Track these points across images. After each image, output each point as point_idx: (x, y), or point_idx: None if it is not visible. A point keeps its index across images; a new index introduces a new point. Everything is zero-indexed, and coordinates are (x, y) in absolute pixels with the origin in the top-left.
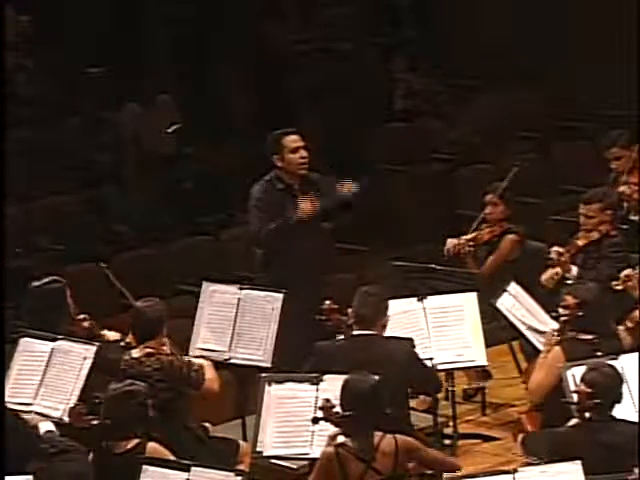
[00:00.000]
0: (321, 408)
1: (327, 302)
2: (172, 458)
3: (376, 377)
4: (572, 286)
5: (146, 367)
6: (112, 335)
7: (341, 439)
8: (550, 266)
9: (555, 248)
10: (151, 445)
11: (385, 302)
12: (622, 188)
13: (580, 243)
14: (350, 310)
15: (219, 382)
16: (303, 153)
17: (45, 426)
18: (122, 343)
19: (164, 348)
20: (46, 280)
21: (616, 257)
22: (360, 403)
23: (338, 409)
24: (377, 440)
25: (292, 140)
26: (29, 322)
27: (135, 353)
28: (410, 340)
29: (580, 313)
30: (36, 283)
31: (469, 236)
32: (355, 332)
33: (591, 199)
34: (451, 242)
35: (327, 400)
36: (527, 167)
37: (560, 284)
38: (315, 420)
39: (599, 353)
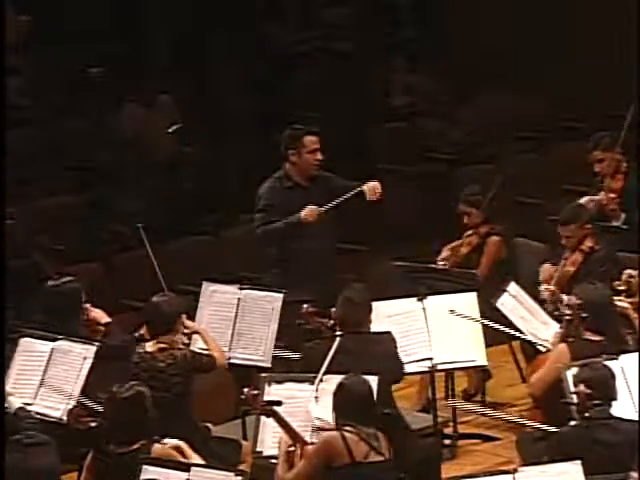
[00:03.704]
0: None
1: (305, 305)
2: (180, 458)
3: (368, 378)
4: (578, 286)
5: (160, 362)
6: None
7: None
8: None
9: (545, 286)
10: (157, 446)
11: (369, 305)
12: (601, 195)
13: (571, 270)
14: (332, 312)
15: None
16: (319, 156)
17: (18, 402)
18: (135, 335)
19: (177, 342)
20: (63, 280)
21: (605, 271)
22: (354, 406)
23: None
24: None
25: (312, 141)
26: (42, 321)
27: (149, 347)
28: (389, 333)
29: (584, 314)
30: (52, 282)
31: (452, 245)
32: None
33: (567, 220)
34: (446, 251)
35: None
36: (524, 168)
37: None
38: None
39: (605, 355)
